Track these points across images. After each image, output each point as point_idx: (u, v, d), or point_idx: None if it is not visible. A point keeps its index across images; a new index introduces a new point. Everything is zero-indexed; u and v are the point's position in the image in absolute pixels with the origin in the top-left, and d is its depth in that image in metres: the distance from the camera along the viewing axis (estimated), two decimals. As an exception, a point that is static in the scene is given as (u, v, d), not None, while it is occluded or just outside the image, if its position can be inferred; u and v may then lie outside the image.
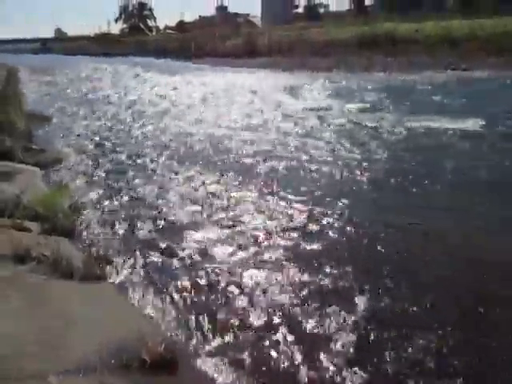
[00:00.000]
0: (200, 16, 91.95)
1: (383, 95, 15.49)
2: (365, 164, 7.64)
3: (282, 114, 12.67)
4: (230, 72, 27.94)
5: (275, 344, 3.29)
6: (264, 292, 3.95)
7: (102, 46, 67.52)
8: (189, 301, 3.88)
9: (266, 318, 3.58)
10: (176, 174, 7.61)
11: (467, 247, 4.69)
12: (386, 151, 8.40)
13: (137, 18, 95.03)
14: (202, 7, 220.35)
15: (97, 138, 10.78)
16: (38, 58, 57.83)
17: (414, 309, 3.64)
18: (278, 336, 3.37)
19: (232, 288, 4.02)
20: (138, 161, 8.64)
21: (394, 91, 16.38)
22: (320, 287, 3.99)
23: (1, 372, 2.60)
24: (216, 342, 3.34)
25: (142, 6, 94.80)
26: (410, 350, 3.17)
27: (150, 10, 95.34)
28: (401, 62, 24.79)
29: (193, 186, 6.92)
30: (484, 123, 10.23)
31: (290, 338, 3.35)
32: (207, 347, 3.28)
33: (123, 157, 8.95)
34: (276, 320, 3.56)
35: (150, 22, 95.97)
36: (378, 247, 4.69)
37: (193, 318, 3.62)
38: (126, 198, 6.46)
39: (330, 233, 5.06)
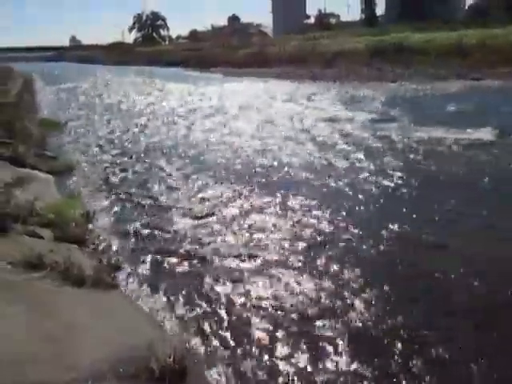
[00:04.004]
0: (212, 26, 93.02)
1: (394, 105, 15.43)
2: (378, 175, 7.59)
3: (296, 126, 12.66)
4: (246, 81, 28.09)
5: (286, 357, 3.26)
6: (278, 303, 3.92)
7: (115, 55, 68.49)
8: (199, 310, 3.87)
9: (275, 332, 3.56)
10: (195, 184, 7.50)
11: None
12: (400, 162, 8.30)
13: (150, 27, 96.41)
14: (214, 17, 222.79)
15: (110, 146, 10.88)
16: (52, 66, 58.74)
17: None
18: (287, 349, 3.34)
19: (242, 299, 4.01)
20: (154, 169, 8.58)
21: (405, 101, 16.32)
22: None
23: (9, 379, 2.60)
24: (226, 352, 3.32)
25: (156, 16, 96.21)
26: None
27: (164, 20, 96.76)
28: (412, 71, 24.73)
29: (209, 195, 6.87)
30: (497, 133, 10.14)
31: (299, 350, 3.33)
32: (217, 357, 3.26)
33: (138, 165, 8.95)
34: (285, 333, 3.53)
35: (163, 32, 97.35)
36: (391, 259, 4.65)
37: (203, 327, 3.61)
38: (137, 206, 6.49)
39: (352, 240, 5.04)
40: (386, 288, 4.10)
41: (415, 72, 24.54)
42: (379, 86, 21.53)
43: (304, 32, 61.99)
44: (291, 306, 3.87)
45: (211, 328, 3.61)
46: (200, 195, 6.89)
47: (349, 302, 3.91)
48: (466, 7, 71.31)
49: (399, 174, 7.63)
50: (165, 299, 4.02)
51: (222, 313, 3.82)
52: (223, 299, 4.01)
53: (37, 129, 11.76)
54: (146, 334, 3.29)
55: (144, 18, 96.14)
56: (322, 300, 3.96)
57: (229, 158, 9.28)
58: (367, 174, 7.65)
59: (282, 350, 3.34)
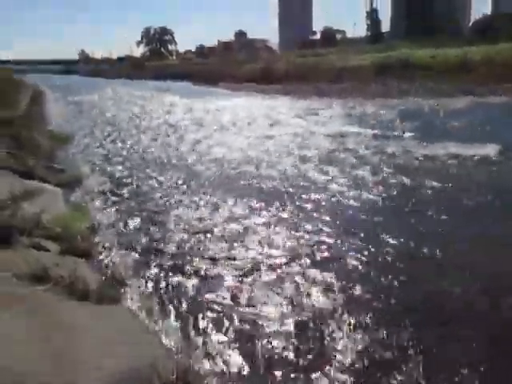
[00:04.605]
0: (219, 41, 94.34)
1: (400, 121, 15.50)
2: (381, 190, 7.60)
3: (300, 142, 12.72)
4: (252, 96, 28.30)
5: (290, 372, 3.24)
6: (282, 321, 3.91)
7: (123, 69, 69.43)
8: (203, 326, 3.85)
9: (280, 348, 3.54)
10: (202, 199, 7.50)
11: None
12: (407, 179, 8.29)
13: (158, 42, 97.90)
14: (221, 32, 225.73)
15: (119, 159, 10.96)
16: (61, 79, 59.59)
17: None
18: (293, 367, 3.32)
19: (246, 316, 3.99)
20: (162, 184, 8.57)
21: (410, 117, 16.37)
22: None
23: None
24: (230, 369, 3.30)
25: (164, 30, 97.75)
26: None
27: (171, 34, 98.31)
28: (417, 87, 24.87)
29: (215, 212, 6.86)
30: (501, 149, 10.14)
31: (306, 369, 3.30)
32: (221, 374, 3.24)
33: (146, 178, 8.98)
34: (293, 352, 3.51)
35: (171, 47, 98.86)
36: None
37: (207, 343, 3.60)
38: (144, 221, 6.50)
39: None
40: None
41: (420, 88, 24.68)
42: (384, 102, 21.65)
43: (310, 48, 62.68)
44: (297, 325, 3.85)
45: (215, 345, 3.59)
46: (207, 210, 6.90)
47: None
48: (471, 23, 72.05)
49: (401, 189, 7.64)
50: (169, 315, 4.01)
51: (226, 329, 3.80)
52: (227, 316, 3.99)
53: (45, 141, 11.89)
54: (150, 350, 3.28)
55: (152, 32, 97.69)
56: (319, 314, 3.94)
57: (231, 171, 9.31)
58: (370, 190, 7.65)
59: (285, 369, 3.31)
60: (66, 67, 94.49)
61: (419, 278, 4.64)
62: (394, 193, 7.54)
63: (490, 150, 10.16)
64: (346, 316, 3.95)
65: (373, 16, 79.41)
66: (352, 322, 3.86)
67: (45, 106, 24.09)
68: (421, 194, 7.43)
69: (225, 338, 3.68)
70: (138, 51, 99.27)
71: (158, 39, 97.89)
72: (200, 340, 3.66)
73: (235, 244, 5.54)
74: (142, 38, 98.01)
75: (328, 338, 3.65)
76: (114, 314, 3.85)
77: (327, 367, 3.30)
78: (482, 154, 9.91)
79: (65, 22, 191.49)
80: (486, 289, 4.33)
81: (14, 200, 5.98)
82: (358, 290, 4.37)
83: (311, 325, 3.86)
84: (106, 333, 3.47)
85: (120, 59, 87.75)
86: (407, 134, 12.85)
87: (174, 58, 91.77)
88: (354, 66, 31.65)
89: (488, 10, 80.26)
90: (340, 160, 10.09)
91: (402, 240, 5.48)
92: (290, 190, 7.89)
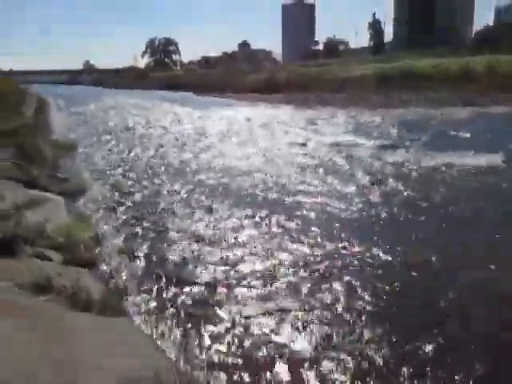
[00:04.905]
0: (223, 52, 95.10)
1: (402, 131, 15.52)
2: (385, 201, 7.59)
3: (303, 152, 12.73)
4: (255, 106, 28.41)
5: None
6: (289, 340, 3.88)
7: (128, 79, 69.96)
8: (206, 338, 3.83)
9: (284, 368, 3.52)
10: (205, 208, 7.50)
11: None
12: (407, 188, 8.30)
13: (162, 52, 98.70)
14: (225, 43, 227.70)
15: (122, 168, 10.99)
16: (66, 89, 60.06)
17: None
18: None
19: (249, 329, 3.97)
20: (166, 193, 8.57)
21: (413, 127, 16.39)
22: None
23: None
24: (231, 381, 3.27)
25: (168, 41, 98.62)
26: None
27: (176, 45, 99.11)
28: (419, 98, 24.92)
29: (220, 222, 6.85)
30: (504, 159, 10.13)
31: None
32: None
33: (149, 189, 8.97)
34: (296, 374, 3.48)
35: (175, 57, 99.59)
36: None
37: (210, 355, 3.57)
38: (147, 231, 6.50)
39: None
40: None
41: (422, 98, 24.74)
42: (387, 112, 21.69)
43: (313, 58, 63.10)
44: (303, 344, 3.82)
45: (218, 356, 3.57)
46: (211, 220, 6.90)
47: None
48: (473, 35, 72.47)
49: (405, 199, 7.62)
50: (171, 327, 3.99)
51: (228, 341, 3.78)
52: (231, 329, 3.97)
53: (50, 150, 11.95)
54: (152, 362, 3.26)
55: (156, 43, 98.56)
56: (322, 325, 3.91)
57: (235, 182, 9.32)
58: (375, 200, 7.64)
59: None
60: (70, 77, 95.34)
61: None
62: (396, 202, 7.52)
63: (493, 159, 10.16)
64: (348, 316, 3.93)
65: (375, 26, 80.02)
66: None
67: (49, 115, 24.25)
68: (421, 204, 7.40)
69: (228, 350, 3.66)
70: (143, 62, 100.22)
71: (162, 50, 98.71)
72: (203, 351, 3.64)
73: (239, 253, 5.53)
74: (146, 49, 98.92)
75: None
76: (117, 325, 3.83)
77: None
78: (486, 163, 9.89)
79: (69, 32, 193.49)
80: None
81: (17, 209, 6.01)
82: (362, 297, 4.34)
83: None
84: (107, 344, 3.45)
85: (124, 69, 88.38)
86: (409, 144, 12.84)
87: (179, 68, 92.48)
88: (356, 76, 31.79)
89: (490, 20, 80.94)
90: (341, 170, 10.09)
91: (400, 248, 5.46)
92: (288, 199, 7.88)
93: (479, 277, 4.75)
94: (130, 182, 9.54)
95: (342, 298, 4.42)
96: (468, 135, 14.00)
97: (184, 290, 4.65)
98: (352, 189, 8.44)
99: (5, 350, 3.09)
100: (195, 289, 4.68)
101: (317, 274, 4.94)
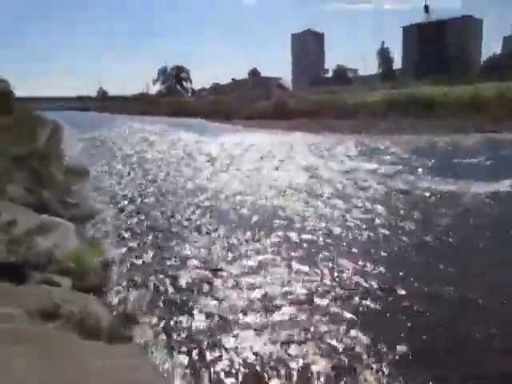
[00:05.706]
0: (233, 79, 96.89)
1: (413, 158, 15.49)
2: (395, 228, 7.52)
3: (313, 179, 12.75)
4: (264, 133, 28.66)
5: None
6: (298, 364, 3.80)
7: (140, 105, 71.33)
8: (214, 366, 3.75)
9: None
10: (214, 232, 7.55)
11: None
12: (418, 215, 8.21)
13: (174, 80, 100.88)
14: (235, 71, 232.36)
15: (133, 194, 11.07)
16: (79, 116, 61.28)
17: None
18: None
19: (256, 356, 3.90)
20: (176, 220, 8.53)
21: (423, 154, 16.35)
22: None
23: None
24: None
25: (179, 69, 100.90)
26: None
27: (187, 72, 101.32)
28: (429, 124, 24.95)
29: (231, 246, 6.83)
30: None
31: None
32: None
33: (158, 215, 8.95)
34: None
35: (186, 84, 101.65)
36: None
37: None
38: (156, 256, 6.48)
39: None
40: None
41: (432, 125, 24.77)
42: (397, 139, 21.72)
43: (323, 85, 63.96)
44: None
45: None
46: (220, 247, 6.86)
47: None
48: (482, 62, 73.24)
49: (415, 227, 7.55)
50: (180, 354, 3.92)
51: (237, 368, 3.71)
52: (239, 358, 3.90)
53: (62, 176, 12.12)
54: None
55: (168, 70, 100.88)
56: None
57: (246, 213, 9.32)
58: (386, 227, 7.58)
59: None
60: (84, 103, 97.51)
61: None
62: (408, 227, 7.45)
63: (504, 186, 10.08)
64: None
65: (383, 54, 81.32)
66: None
67: (61, 141, 24.71)
68: (432, 228, 7.32)
69: (234, 380, 3.58)
70: (154, 89, 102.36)
71: (174, 77, 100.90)
72: (211, 380, 3.56)
73: (244, 281, 5.48)
74: (158, 76, 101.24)
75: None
76: (126, 352, 3.78)
77: None
78: (495, 190, 9.82)
79: (82, 59, 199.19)
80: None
81: (29, 235, 6.05)
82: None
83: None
84: (116, 373, 3.39)
85: (136, 96, 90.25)
86: (422, 171, 12.78)
87: (190, 95, 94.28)
88: (365, 103, 32.06)
89: (498, 49, 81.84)
90: (351, 195, 10.05)
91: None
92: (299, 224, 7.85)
93: None
94: (139, 208, 9.59)
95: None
96: (478, 162, 13.94)
97: (194, 317, 4.58)
98: (360, 215, 8.38)
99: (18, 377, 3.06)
100: (205, 315, 4.62)
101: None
